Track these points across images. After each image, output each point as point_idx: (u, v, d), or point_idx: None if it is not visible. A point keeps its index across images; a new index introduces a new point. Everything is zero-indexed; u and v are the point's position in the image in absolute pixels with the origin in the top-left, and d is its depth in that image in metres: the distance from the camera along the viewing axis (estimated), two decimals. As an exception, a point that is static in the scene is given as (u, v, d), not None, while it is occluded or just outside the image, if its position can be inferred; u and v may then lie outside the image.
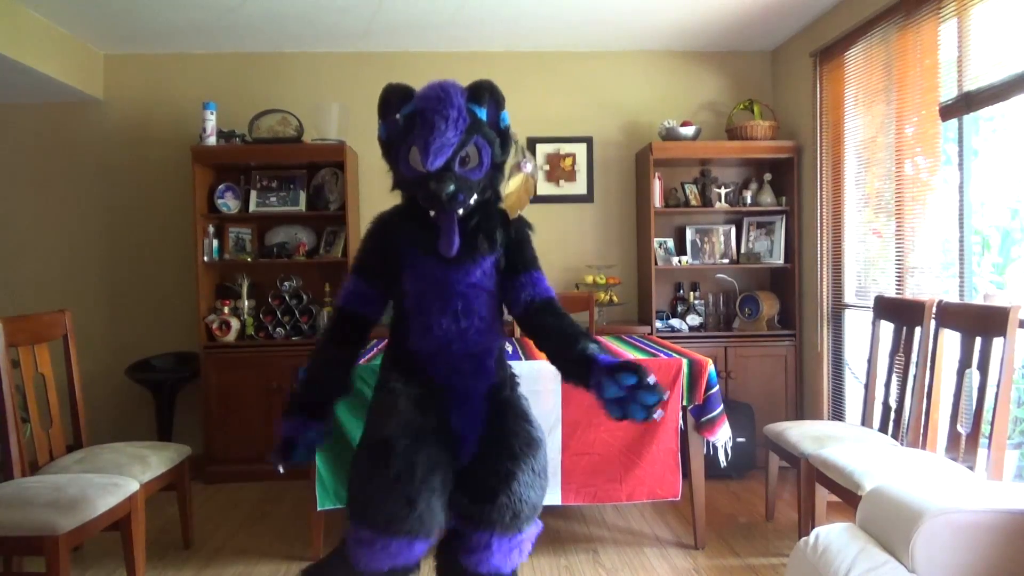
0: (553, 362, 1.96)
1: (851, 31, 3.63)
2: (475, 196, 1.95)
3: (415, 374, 2.00)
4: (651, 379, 1.71)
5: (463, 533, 1.96)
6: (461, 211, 1.93)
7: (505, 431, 1.97)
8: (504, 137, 2.03)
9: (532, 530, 2.01)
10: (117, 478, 2.58)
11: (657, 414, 1.72)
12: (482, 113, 1.98)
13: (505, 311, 2.08)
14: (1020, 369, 2.85)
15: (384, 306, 2.09)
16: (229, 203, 4.28)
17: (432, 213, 1.94)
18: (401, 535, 1.80)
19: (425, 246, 1.97)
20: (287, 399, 2.02)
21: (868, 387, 3.18)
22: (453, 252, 1.92)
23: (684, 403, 2.95)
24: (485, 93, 2.01)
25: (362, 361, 2.99)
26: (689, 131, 4.30)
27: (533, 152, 4.61)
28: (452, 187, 1.86)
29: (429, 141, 1.87)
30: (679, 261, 4.40)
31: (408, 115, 1.97)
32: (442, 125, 1.87)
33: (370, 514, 1.82)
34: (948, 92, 2.98)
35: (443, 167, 1.88)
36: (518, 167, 2.02)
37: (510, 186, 2.01)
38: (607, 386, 1.75)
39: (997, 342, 2.47)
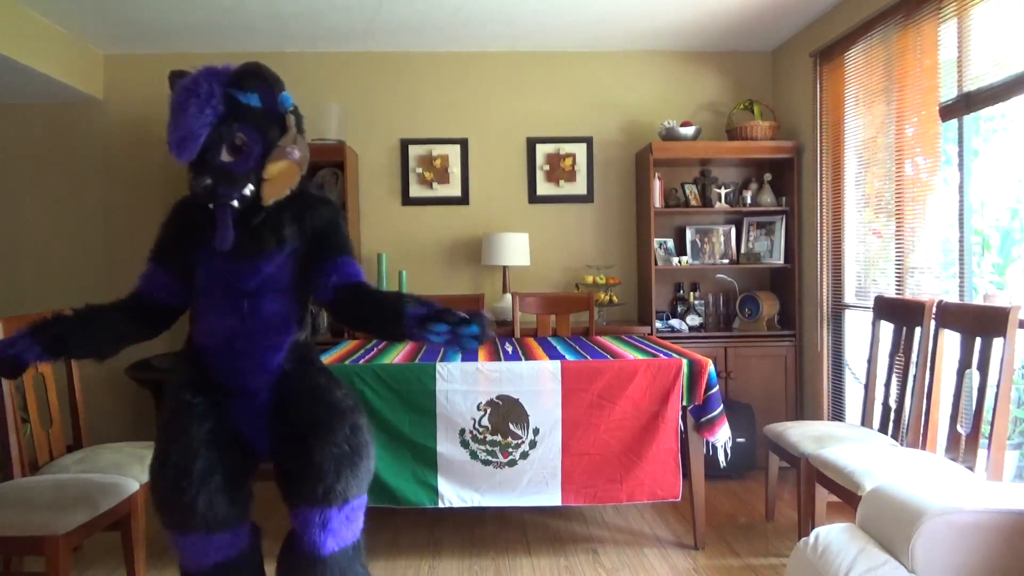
0: (375, 333, 1.97)
1: (851, 31, 3.63)
2: (249, 187, 1.87)
3: (201, 372, 2.00)
4: (460, 317, 1.75)
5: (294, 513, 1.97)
6: (236, 203, 1.86)
7: (291, 422, 1.94)
8: (289, 120, 1.95)
9: (357, 502, 1.95)
10: (117, 478, 2.57)
11: (481, 339, 1.79)
12: (250, 99, 1.88)
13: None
14: (1020, 369, 2.85)
15: (184, 293, 2.05)
16: (229, 203, 4.28)
17: (211, 206, 1.88)
18: (192, 533, 1.87)
19: (209, 240, 1.92)
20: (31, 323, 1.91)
21: (868, 387, 3.18)
22: (227, 247, 1.87)
23: (684, 403, 2.95)
24: (250, 79, 1.90)
25: (327, 360, 2.99)
26: (689, 131, 4.30)
27: (533, 152, 4.61)
28: (208, 181, 1.81)
29: (170, 133, 1.81)
30: (679, 261, 4.40)
31: None
32: (181, 117, 1.80)
33: (164, 518, 1.90)
34: (948, 92, 2.97)
35: (199, 160, 1.83)
36: (284, 152, 1.91)
37: (271, 171, 1.89)
38: (429, 335, 1.78)
39: (997, 342, 2.47)
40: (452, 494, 2.88)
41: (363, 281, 1.98)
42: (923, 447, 2.79)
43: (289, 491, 1.95)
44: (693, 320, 4.38)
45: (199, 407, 1.94)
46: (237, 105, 1.86)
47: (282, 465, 1.99)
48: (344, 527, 1.91)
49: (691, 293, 4.50)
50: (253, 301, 1.93)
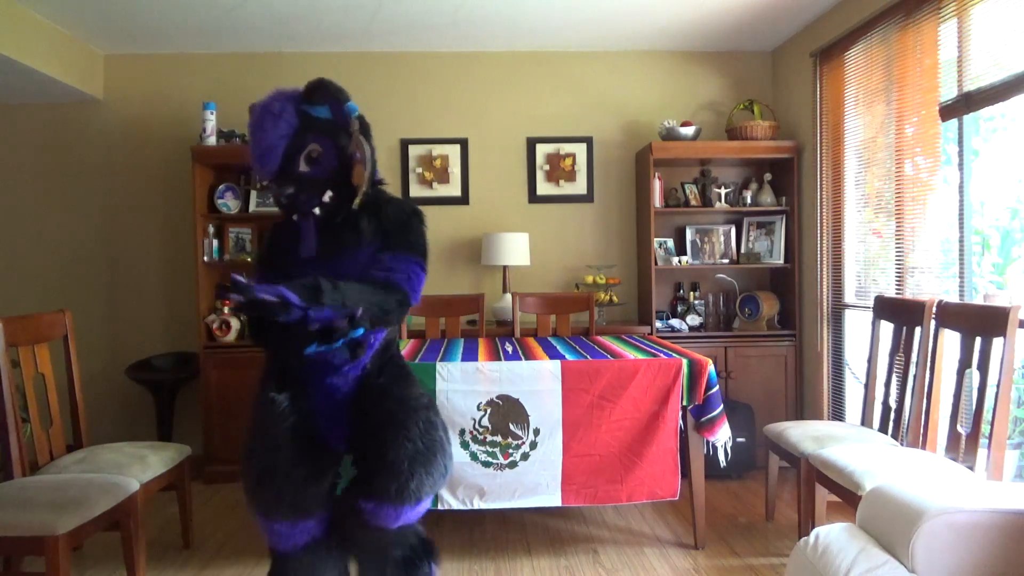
0: None
1: (851, 31, 3.63)
2: (328, 194, 1.98)
3: (288, 371, 2.06)
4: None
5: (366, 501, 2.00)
6: (317, 211, 1.97)
7: (367, 417, 2.01)
8: (358, 127, 2.04)
9: (430, 496, 2.03)
10: (117, 478, 2.58)
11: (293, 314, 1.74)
12: (320, 112, 2.01)
13: None
14: (1020, 369, 2.85)
15: None
16: (229, 203, 4.28)
17: (295, 217, 1.99)
18: (280, 520, 1.99)
19: (299, 248, 2.02)
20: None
21: (868, 387, 3.18)
22: (311, 253, 1.98)
23: (684, 403, 2.95)
24: (316, 93, 2.03)
25: None
26: (689, 131, 4.30)
27: (533, 152, 4.61)
28: (291, 190, 1.93)
29: (252, 151, 1.95)
30: (679, 261, 4.40)
31: None
32: (260, 134, 1.94)
33: (252, 506, 2.02)
34: (948, 92, 2.98)
35: (281, 172, 1.94)
36: (354, 158, 2.03)
37: (356, 180, 2.03)
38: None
39: (997, 342, 2.47)
40: (452, 497, 2.88)
41: (395, 283, 1.98)
42: (923, 447, 2.79)
43: (363, 484, 2.00)
44: (693, 320, 4.38)
45: (282, 404, 2.01)
46: (309, 118, 1.99)
47: (359, 459, 2.06)
48: (412, 517, 2.02)
49: (691, 293, 4.50)
50: None
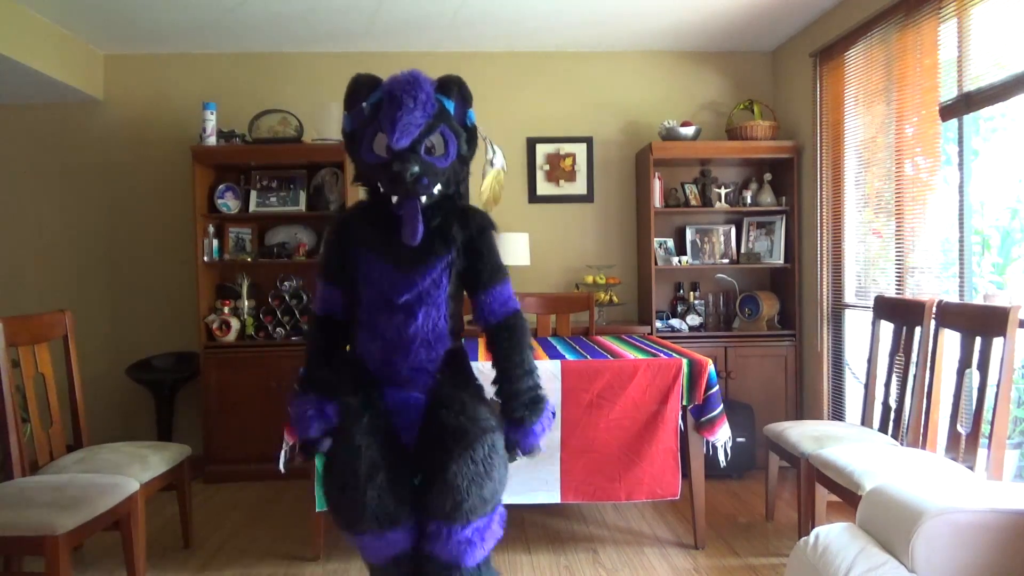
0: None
1: (851, 31, 3.63)
2: (439, 186, 1.95)
3: (361, 375, 2.05)
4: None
5: (423, 521, 1.97)
6: (424, 198, 1.93)
7: (438, 426, 1.98)
8: (470, 134, 2.06)
9: (484, 521, 1.94)
10: (117, 478, 2.58)
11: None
12: (450, 105, 2.00)
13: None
14: (1020, 369, 2.85)
15: (352, 309, 2.10)
16: (229, 203, 4.28)
17: (394, 200, 1.92)
18: (366, 532, 1.92)
19: (378, 248, 1.98)
20: (292, 403, 2.03)
21: (868, 387, 3.18)
22: (417, 240, 1.91)
23: (684, 403, 2.95)
24: (454, 87, 2.03)
25: None
26: (689, 131, 4.30)
27: (533, 152, 4.61)
28: (416, 168, 1.86)
29: (397, 117, 1.87)
30: (679, 261, 4.40)
31: (375, 103, 1.97)
32: (410, 104, 1.89)
33: (338, 520, 1.97)
34: (948, 92, 2.97)
35: (408, 148, 1.88)
36: (490, 163, 2.04)
37: (485, 182, 2.05)
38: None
39: (997, 342, 2.47)
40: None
41: (514, 313, 2.10)
42: (923, 447, 2.79)
43: (423, 499, 1.96)
44: (693, 320, 4.38)
45: (356, 406, 1.98)
46: (443, 108, 1.98)
47: (420, 470, 2.02)
48: (466, 546, 1.92)
49: (691, 293, 4.50)
50: (409, 314, 1.98)
